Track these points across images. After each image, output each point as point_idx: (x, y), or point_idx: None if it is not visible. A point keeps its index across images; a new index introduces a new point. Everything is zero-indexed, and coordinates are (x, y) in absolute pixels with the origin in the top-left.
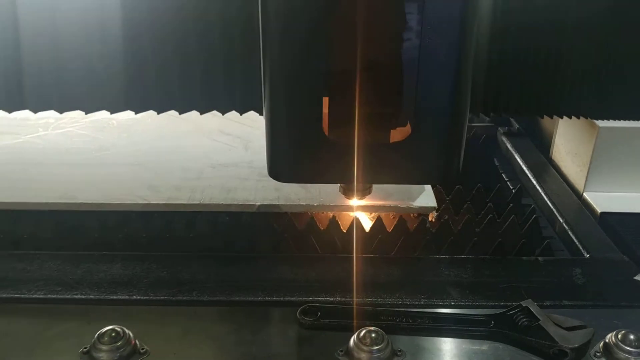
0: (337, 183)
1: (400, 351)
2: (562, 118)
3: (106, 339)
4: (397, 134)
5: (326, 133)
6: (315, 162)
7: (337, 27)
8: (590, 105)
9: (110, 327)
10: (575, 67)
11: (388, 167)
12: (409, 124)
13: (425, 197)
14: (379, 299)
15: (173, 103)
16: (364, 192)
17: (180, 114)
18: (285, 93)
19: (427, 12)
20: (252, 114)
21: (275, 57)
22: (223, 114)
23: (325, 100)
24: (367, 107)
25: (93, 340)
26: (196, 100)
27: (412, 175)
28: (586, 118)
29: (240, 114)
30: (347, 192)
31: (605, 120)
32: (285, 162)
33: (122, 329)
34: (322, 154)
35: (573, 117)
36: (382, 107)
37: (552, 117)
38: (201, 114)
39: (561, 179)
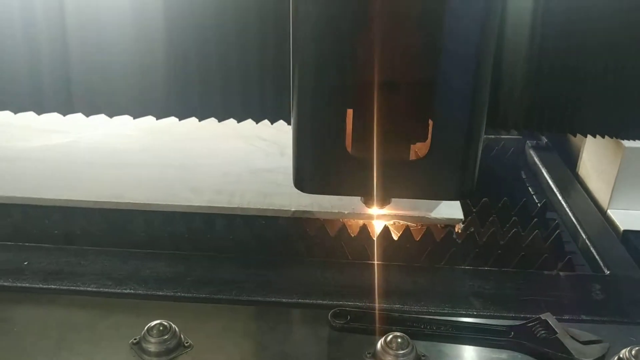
0: (358, 196)
1: (424, 356)
2: (585, 137)
3: (154, 332)
4: (416, 152)
5: (348, 149)
6: (337, 175)
7: (362, 48)
8: (615, 125)
9: (157, 321)
10: (601, 86)
11: (406, 183)
12: (426, 142)
13: (453, 209)
14: (405, 306)
15: (213, 111)
16: (384, 202)
17: (219, 121)
18: (311, 109)
19: (448, 32)
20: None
21: (302, 75)
22: (257, 123)
23: (349, 117)
24: (387, 125)
25: (143, 333)
26: (233, 109)
27: (428, 191)
28: (611, 137)
29: (272, 123)
30: (368, 202)
31: (632, 141)
32: (309, 174)
33: (168, 323)
34: (344, 168)
35: (598, 136)
36: (402, 125)
37: (575, 135)
38: (238, 122)
39: (586, 195)
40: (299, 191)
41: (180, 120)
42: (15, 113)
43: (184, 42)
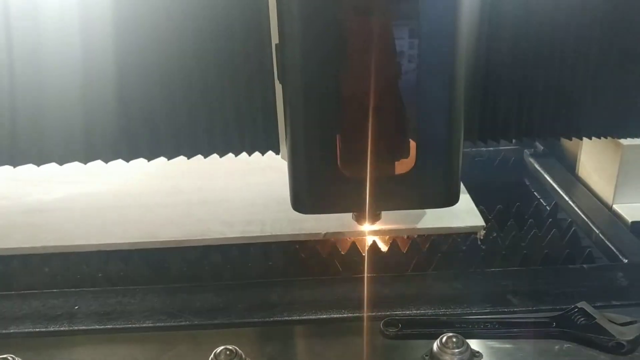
0: (353, 212)
1: (478, 353)
2: (581, 139)
3: (222, 357)
4: (402, 166)
5: (342, 168)
6: (331, 194)
7: (345, 79)
8: (611, 125)
9: (223, 347)
10: (594, 90)
11: (396, 195)
12: (412, 155)
13: (474, 217)
14: (449, 310)
15: (199, 148)
16: (375, 218)
17: (205, 157)
18: (303, 137)
19: (422, 48)
20: None
21: (294, 106)
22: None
23: (339, 140)
24: (373, 145)
25: (210, 358)
26: (231, 144)
27: (418, 201)
28: (606, 138)
29: (262, 155)
30: (360, 219)
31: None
32: (306, 196)
33: (234, 347)
34: (338, 187)
35: (594, 137)
36: (386, 143)
37: (572, 139)
38: (220, 157)
39: (590, 194)
40: (326, 215)
41: (169, 160)
42: None
43: (171, 77)
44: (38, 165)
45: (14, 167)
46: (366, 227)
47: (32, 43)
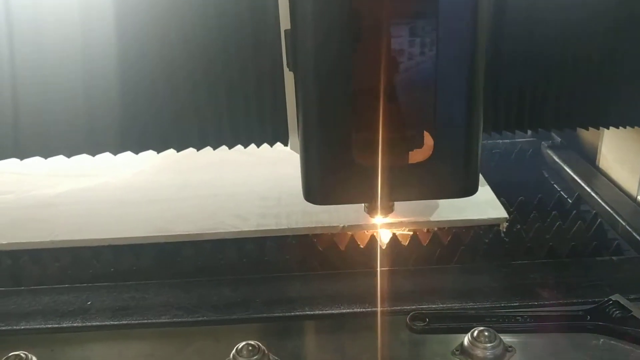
0: (367, 202)
1: (510, 347)
2: (598, 129)
3: (244, 352)
4: (419, 154)
5: (355, 158)
6: (345, 184)
7: (360, 64)
8: (633, 114)
9: (244, 342)
10: (618, 78)
11: (412, 185)
12: (428, 145)
13: (497, 210)
14: (477, 303)
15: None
16: (388, 210)
17: (214, 149)
18: (316, 126)
19: (442, 33)
20: None
21: (306, 93)
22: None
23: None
24: (388, 133)
25: (232, 355)
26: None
27: (436, 191)
28: (632, 127)
29: (271, 146)
30: (372, 212)
31: None
32: (319, 186)
33: (256, 343)
34: (352, 177)
35: (620, 127)
36: (403, 131)
37: (598, 129)
38: (229, 148)
39: (613, 185)
40: (342, 206)
41: (178, 151)
42: None
43: (179, 70)
44: (45, 157)
45: (21, 159)
46: (386, 219)
47: (38, 35)
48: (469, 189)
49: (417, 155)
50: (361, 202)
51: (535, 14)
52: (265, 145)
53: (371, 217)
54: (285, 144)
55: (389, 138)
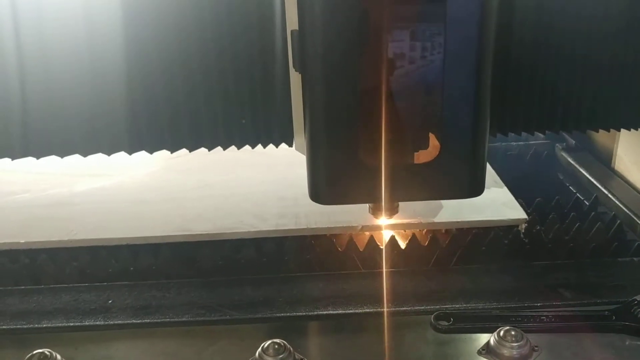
0: (373, 203)
1: (537, 347)
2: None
3: (271, 351)
4: (426, 154)
5: (361, 158)
6: (351, 184)
7: (367, 67)
8: None
9: (270, 340)
10: (632, 79)
11: (418, 185)
12: (434, 145)
13: (515, 210)
14: (501, 303)
15: (219, 140)
16: (392, 211)
17: (224, 149)
18: (323, 126)
19: (449, 34)
20: None
21: (313, 96)
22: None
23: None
24: (395, 134)
25: (258, 353)
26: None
27: (442, 191)
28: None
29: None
30: (376, 212)
31: None
32: (325, 186)
33: (282, 341)
34: (358, 177)
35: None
36: (409, 132)
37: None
38: (238, 148)
39: (630, 187)
40: (360, 207)
41: (173, 151)
42: None
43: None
44: (61, 156)
45: (37, 158)
46: (404, 220)
47: (55, 34)
48: (475, 190)
49: (423, 156)
50: (367, 202)
51: (546, 14)
52: (282, 146)
53: (376, 218)
54: (290, 145)
55: (395, 139)
